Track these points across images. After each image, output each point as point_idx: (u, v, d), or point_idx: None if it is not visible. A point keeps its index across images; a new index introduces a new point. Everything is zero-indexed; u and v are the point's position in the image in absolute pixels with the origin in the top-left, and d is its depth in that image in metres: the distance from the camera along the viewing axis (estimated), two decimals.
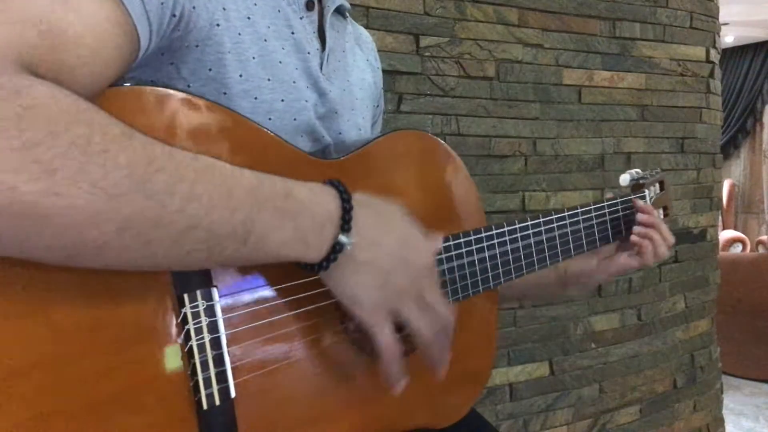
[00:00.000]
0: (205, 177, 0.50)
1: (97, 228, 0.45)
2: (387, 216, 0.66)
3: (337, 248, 0.59)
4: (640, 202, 0.99)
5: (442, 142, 0.84)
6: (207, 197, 0.50)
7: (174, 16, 0.61)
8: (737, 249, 5.17)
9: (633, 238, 0.96)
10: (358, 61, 0.90)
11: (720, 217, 2.96)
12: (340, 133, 0.80)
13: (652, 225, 0.97)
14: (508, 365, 1.91)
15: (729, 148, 6.95)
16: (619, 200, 0.99)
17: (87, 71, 0.51)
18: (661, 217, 1.07)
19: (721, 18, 2.47)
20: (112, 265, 0.49)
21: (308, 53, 0.75)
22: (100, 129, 0.45)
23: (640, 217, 0.97)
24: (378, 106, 0.98)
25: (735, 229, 6.22)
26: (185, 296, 0.55)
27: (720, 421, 2.47)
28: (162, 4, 0.59)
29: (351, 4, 0.89)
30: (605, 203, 0.97)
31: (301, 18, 0.75)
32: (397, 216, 0.67)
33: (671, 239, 0.98)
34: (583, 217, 0.93)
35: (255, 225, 0.53)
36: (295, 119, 0.72)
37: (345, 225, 0.59)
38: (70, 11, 0.50)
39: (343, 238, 0.59)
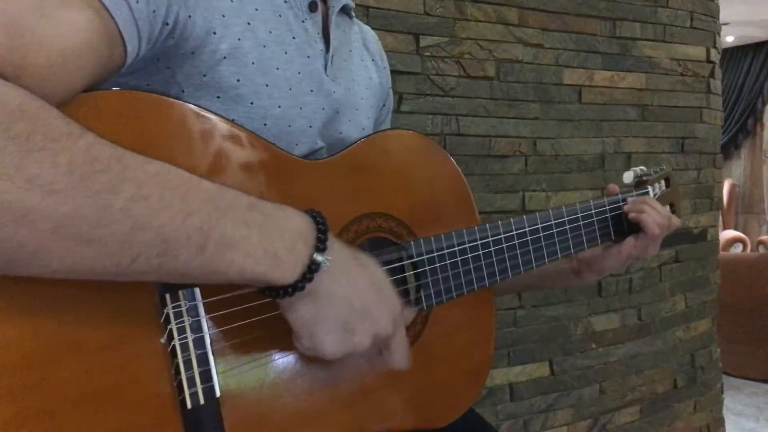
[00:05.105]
0: (156, 179, 0.48)
1: (31, 226, 0.43)
2: (359, 254, 0.62)
3: (312, 268, 0.54)
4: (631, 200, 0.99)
5: (433, 141, 0.84)
6: (156, 198, 0.48)
7: (167, 24, 0.61)
8: (738, 249, 5.16)
9: (630, 215, 0.96)
10: (365, 61, 0.91)
11: (720, 217, 2.95)
12: (340, 133, 0.80)
13: (640, 202, 0.97)
14: (508, 365, 1.90)
15: (729, 148, 6.95)
16: (620, 197, 0.99)
17: (57, 74, 0.50)
18: None
19: (722, 18, 2.46)
20: (57, 271, 0.46)
21: (308, 57, 0.75)
22: (44, 128, 0.44)
23: (627, 206, 0.97)
24: (384, 105, 0.98)
25: (735, 229, 6.21)
26: (167, 296, 0.55)
27: (720, 422, 2.46)
28: (153, 12, 0.59)
29: None
30: (605, 201, 0.97)
31: (303, 21, 0.75)
32: (367, 257, 0.63)
33: (664, 211, 0.98)
34: (582, 214, 0.93)
35: (214, 232, 0.50)
36: (290, 126, 0.72)
37: (320, 245, 0.55)
38: (42, 17, 0.50)
39: (318, 257, 0.55)
